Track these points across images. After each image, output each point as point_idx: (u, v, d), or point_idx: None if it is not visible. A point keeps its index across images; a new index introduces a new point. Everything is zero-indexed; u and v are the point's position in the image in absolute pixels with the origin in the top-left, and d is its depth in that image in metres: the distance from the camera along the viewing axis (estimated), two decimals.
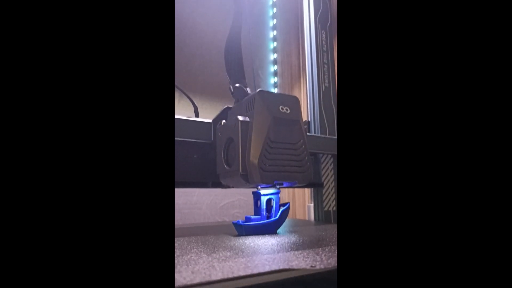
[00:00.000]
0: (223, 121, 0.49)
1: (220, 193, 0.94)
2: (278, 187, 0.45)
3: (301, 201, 0.99)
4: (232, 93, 0.50)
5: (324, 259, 0.27)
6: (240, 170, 0.41)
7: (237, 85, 0.49)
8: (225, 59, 0.51)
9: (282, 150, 0.42)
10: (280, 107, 0.43)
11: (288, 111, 0.43)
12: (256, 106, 0.42)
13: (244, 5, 0.54)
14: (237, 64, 0.51)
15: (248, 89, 0.50)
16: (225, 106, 0.51)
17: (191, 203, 0.89)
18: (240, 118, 0.42)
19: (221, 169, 0.46)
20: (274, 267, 0.25)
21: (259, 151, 0.40)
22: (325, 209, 0.74)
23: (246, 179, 0.41)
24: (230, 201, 0.95)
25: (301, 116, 0.45)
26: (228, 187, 0.48)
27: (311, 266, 0.25)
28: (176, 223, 0.81)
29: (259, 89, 0.43)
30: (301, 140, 0.44)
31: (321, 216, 0.74)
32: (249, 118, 0.42)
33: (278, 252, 0.31)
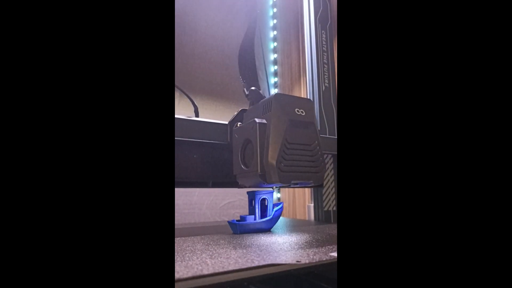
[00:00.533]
0: (239, 123, 0.50)
1: (220, 193, 0.94)
2: (293, 186, 0.46)
3: (301, 201, 1.00)
4: (246, 95, 0.50)
5: (310, 255, 0.29)
6: (259, 171, 0.42)
7: (253, 88, 0.50)
8: (239, 63, 0.52)
9: (298, 151, 0.43)
10: (296, 110, 0.44)
11: (304, 114, 0.44)
12: (273, 109, 0.43)
13: (258, 12, 0.55)
14: (251, 68, 0.51)
15: (261, 92, 0.50)
16: (240, 109, 0.52)
17: (191, 203, 0.89)
18: (258, 120, 0.43)
19: (238, 169, 0.47)
20: (263, 262, 0.26)
21: (276, 152, 0.41)
22: (325, 209, 0.75)
23: (264, 178, 0.42)
24: (230, 201, 0.95)
25: (315, 118, 0.46)
26: (245, 186, 0.49)
27: (297, 261, 0.26)
28: (176, 223, 0.81)
29: (276, 93, 0.44)
30: (316, 141, 0.45)
31: (321, 216, 0.75)
32: (266, 120, 0.43)
33: (269, 249, 0.33)
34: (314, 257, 0.28)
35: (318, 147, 0.45)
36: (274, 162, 0.41)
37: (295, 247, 0.33)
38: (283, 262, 0.26)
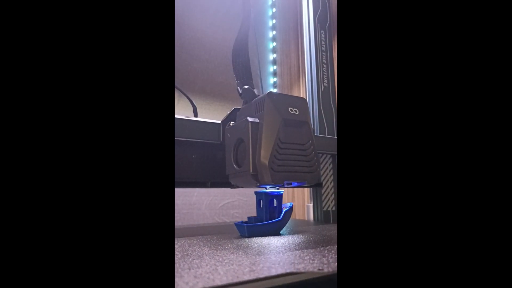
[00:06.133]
0: (232, 122, 0.49)
1: (219, 193, 0.94)
2: (286, 186, 0.46)
3: (300, 201, 1.00)
4: (240, 94, 0.50)
5: (331, 262, 0.27)
6: (251, 170, 0.41)
7: (246, 86, 0.49)
8: (232, 61, 0.52)
9: (291, 150, 0.42)
10: (289, 109, 0.43)
11: (297, 113, 0.43)
12: (266, 108, 0.42)
13: (252, 9, 0.54)
14: (245, 66, 0.51)
15: (255, 90, 0.50)
16: (233, 108, 0.52)
17: (190, 204, 0.89)
18: (250, 119, 0.42)
19: (231, 169, 0.46)
20: (281, 270, 0.24)
21: (269, 151, 0.41)
22: (324, 209, 0.75)
23: (257, 179, 0.41)
24: (229, 202, 0.95)
25: (309, 118, 0.45)
26: (237, 187, 0.49)
27: (319, 269, 0.24)
28: (175, 223, 0.81)
29: (269, 91, 0.43)
30: (310, 141, 0.44)
31: (320, 216, 0.75)
32: (258, 119, 0.43)
33: (282, 254, 0.30)
34: (336, 264, 0.26)
35: (312, 147, 0.44)
36: (266, 162, 0.40)
37: (310, 251, 0.31)
38: (304, 270, 0.24)
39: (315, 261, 0.27)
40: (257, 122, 0.42)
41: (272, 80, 1.05)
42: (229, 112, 0.52)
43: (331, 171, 0.77)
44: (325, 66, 0.82)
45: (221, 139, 0.52)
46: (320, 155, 0.75)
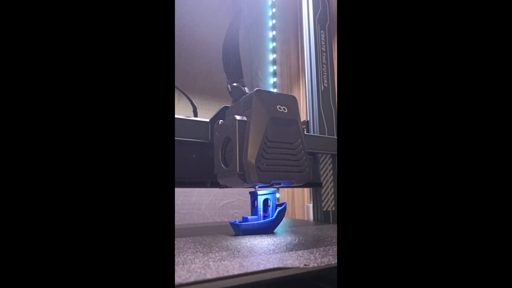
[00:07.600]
0: (221, 120, 0.49)
1: (219, 193, 0.94)
2: (275, 186, 0.45)
3: (300, 201, 0.99)
4: (230, 92, 0.50)
5: (318, 258, 0.28)
6: (238, 170, 0.41)
7: (234, 84, 0.49)
8: (223, 59, 0.51)
9: (279, 149, 0.42)
10: (277, 107, 0.42)
11: (286, 111, 0.43)
12: (254, 106, 0.42)
13: (242, 5, 0.54)
14: (235, 64, 0.51)
15: (246, 89, 0.49)
16: (223, 106, 0.51)
17: (190, 203, 0.89)
18: (238, 117, 0.42)
19: (219, 168, 0.46)
20: (269, 266, 0.25)
21: (256, 150, 0.40)
22: (324, 209, 0.74)
23: (244, 178, 0.41)
24: (229, 202, 0.95)
25: (299, 116, 0.45)
26: (226, 187, 0.48)
27: (305, 265, 0.25)
28: (175, 223, 0.81)
29: (257, 88, 0.43)
30: (299, 140, 0.44)
31: (320, 216, 0.74)
32: (246, 117, 0.42)
33: (273, 251, 0.31)
34: (323, 260, 0.27)
35: (301, 146, 0.44)
36: (253, 161, 0.40)
37: (301, 249, 0.32)
38: (291, 266, 0.25)
39: (303, 258, 0.28)
40: (245, 121, 0.42)
41: (272, 80, 1.05)
42: (218, 110, 0.51)
43: (331, 171, 0.76)
44: (325, 66, 0.82)
45: (210, 138, 0.51)
46: (320, 155, 0.74)
